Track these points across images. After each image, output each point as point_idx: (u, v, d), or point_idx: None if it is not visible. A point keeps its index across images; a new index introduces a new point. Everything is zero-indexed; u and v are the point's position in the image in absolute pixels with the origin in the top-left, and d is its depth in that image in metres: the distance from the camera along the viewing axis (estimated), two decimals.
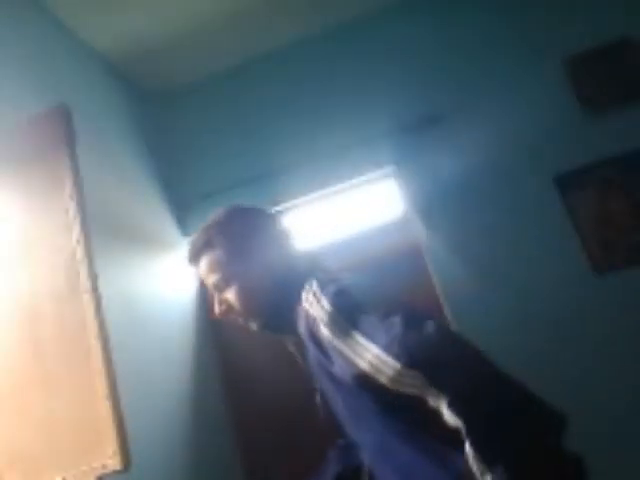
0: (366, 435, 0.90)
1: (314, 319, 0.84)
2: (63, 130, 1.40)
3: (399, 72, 2.64)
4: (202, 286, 2.70)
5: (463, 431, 0.67)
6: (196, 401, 2.27)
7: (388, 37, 2.70)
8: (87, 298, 1.27)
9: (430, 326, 0.74)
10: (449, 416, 0.69)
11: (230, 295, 0.99)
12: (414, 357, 0.72)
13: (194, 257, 1.04)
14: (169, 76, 2.84)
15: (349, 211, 2.65)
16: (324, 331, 0.81)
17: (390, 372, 0.73)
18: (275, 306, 0.98)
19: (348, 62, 2.72)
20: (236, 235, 1.01)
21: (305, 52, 2.80)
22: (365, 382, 0.77)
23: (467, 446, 0.67)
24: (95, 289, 1.28)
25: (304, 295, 0.89)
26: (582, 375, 2.11)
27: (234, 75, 2.87)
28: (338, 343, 0.79)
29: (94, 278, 1.28)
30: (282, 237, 1.05)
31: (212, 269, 1.00)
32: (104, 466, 1.17)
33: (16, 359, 1.32)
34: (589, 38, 2.41)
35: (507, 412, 0.66)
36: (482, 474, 0.65)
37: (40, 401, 1.27)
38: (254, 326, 1.01)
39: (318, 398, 1.01)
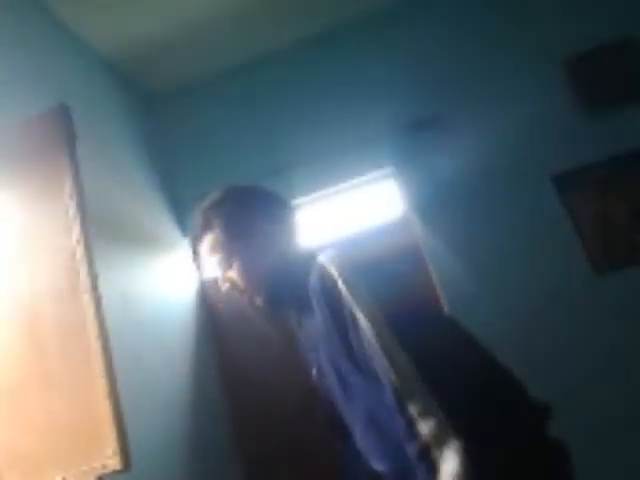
0: (357, 410, 0.91)
1: (335, 281, 0.84)
2: (63, 130, 1.40)
3: (399, 73, 2.64)
4: (202, 286, 2.70)
5: (433, 443, 0.68)
6: (196, 401, 2.27)
7: (388, 38, 2.70)
8: (87, 298, 1.27)
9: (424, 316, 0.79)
10: (423, 424, 0.70)
11: (233, 273, 1.00)
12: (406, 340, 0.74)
13: (195, 239, 1.05)
14: (169, 76, 2.84)
15: (349, 211, 2.65)
16: (345, 293, 0.82)
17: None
18: (277, 281, 0.99)
19: (348, 63, 2.72)
20: (233, 213, 1.02)
21: (305, 53, 2.80)
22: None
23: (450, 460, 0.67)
24: (95, 289, 1.28)
25: (323, 259, 0.89)
26: (582, 375, 2.11)
27: (234, 75, 2.87)
28: (357, 310, 0.80)
29: (94, 278, 1.28)
30: (281, 212, 1.05)
31: (213, 250, 1.02)
32: (104, 466, 1.17)
33: (16, 359, 1.32)
34: (589, 38, 2.41)
35: (491, 398, 0.69)
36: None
37: (40, 401, 1.27)
38: (258, 301, 1.02)
39: (315, 372, 1.02)
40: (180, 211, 2.71)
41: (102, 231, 1.92)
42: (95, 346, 1.24)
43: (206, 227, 1.02)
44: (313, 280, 0.89)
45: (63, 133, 1.40)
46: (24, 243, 1.39)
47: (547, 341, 2.15)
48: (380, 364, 0.75)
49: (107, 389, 1.21)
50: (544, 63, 2.46)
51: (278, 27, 2.71)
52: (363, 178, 2.58)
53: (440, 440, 0.68)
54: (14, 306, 1.35)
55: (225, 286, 1.03)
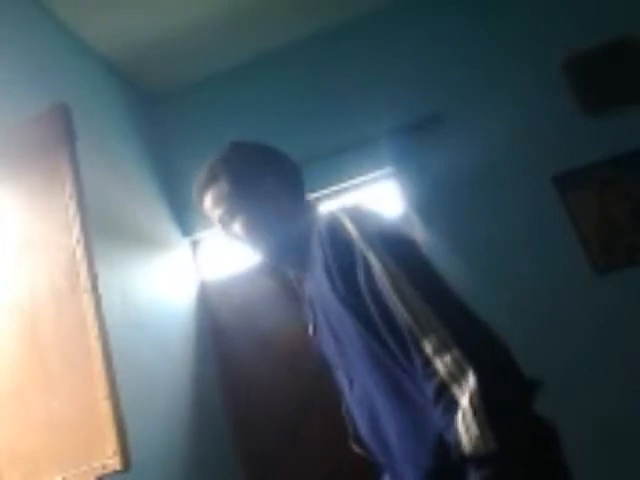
0: (351, 377, 0.91)
1: (346, 227, 0.84)
2: (63, 129, 1.40)
3: (399, 72, 2.63)
4: (202, 286, 2.71)
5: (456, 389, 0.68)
6: (196, 401, 2.27)
7: (388, 37, 2.70)
8: (87, 298, 1.27)
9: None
10: (439, 361, 0.70)
11: (236, 227, 1.00)
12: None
13: (199, 192, 1.03)
14: (169, 76, 2.84)
15: None
16: (357, 237, 0.82)
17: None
18: (280, 238, 0.99)
19: (348, 62, 2.72)
20: (240, 168, 1.02)
21: (305, 52, 2.80)
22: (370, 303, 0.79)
23: (464, 401, 0.67)
24: (95, 289, 1.28)
25: (334, 210, 0.89)
26: (582, 375, 2.11)
27: (233, 75, 2.87)
28: (368, 251, 0.80)
29: (94, 278, 1.28)
30: (287, 170, 1.05)
31: (217, 203, 1.01)
32: (104, 466, 1.17)
33: (16, 359, 1.32)
34: (589, 38, 2.41)
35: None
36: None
37: (40, 401, 1.27)
38: (260, 256, 1.02)
39: (311, 329, 1.03)
40: (180, 211, 2.71)
41: (102, 231, 1.92)
42: (95, 346, 1.24)
43: (212, 180, 1.01)
44: (320, 230, 0.88)
45: (63, 133, 1.40)
46: (24, 243, 1.39)
47: (547, 341, 2.15)
48: (392, 302, 0.76)
49: (107, 389, 1.21)
50: (544, 63, 2.46)
51: (277, 27, 2.71)
52: (363, 178, 2.58)
53: (457, 376, 0.68)
54: (14, 306, 1.35)
55: (228, 240, 1.03)
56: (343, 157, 2.54)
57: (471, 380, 0.67)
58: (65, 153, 1.38)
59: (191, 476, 2.07)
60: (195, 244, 2.78)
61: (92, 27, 2.34)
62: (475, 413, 0.65)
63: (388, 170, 2.55)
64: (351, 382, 0.92)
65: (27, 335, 1.32)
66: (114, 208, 2.16)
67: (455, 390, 0.68)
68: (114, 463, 1.16)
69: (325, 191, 2.59)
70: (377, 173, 2.57)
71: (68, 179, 1.35)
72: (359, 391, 0.89)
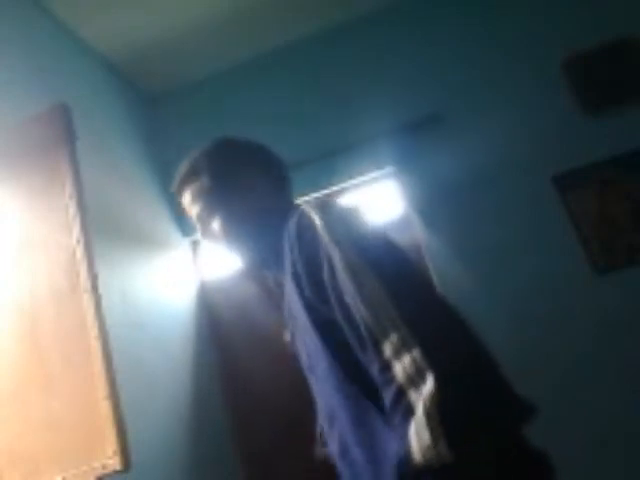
0: (319, 397, 0.85)
1: (312, 221, 0.77)
2: (63, 129, 1.40)
3: (399, 72, 2.64)
4: (202, 286, 2.71)
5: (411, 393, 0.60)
6: (196, 401, 2.27)
7: (388, 38, 2.70)
8: (87, 298, 1.27)
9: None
10: (397, 365, 0.62)
11: (215, 225, 0.95)
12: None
13: (179, 186, 1.00)
14: (169, 76, 2.84)
15: None
16: (322, 232, 0.75)
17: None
18: (260, 237, 0.93)
19: (348, 62, 2.72)
20: (222, 165, 0.97)
21: (305, 53, 2.80)
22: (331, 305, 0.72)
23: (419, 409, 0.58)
24: (95, 289, 1.28)
25: (305, 205, 0.83)
26: (582, 375, 2.11)
27: (233, 75, 2.87)
28: (333, 248, 0.72)
29: (94, 278, 1.28)
30: (271, 167, 1.01)
31: (196, 198, 0.96)
32: (104, 466, 1.17)
33: (16, 359, 1.32)
34: (589, 38, 2.41)
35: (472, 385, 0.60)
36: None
37: (40, 401, 1.27)
38: (237, 257, 0.97)
39: (288, 336, 0.97)
40: (180, 211, 2.70)
41: (102, 231, 1.92)
42: (95, 346, 1.24)
43: (192, 174, 0.97)
44: (289, 228, 0.81)
45: (63, 133, 1.40)
46: (24, 243, 1.39)
47: (547, 341, 2.15)
48: (353, 300, 0.68)
49: (107, 389, 1.21)
50: (544, 63, 2.46)
51: (277, 27, 2.71)
52: (363, 178, 2.58)
53: (415, 380, 0.60)
54: (14, 306, 1.35)
55: (205, 238, 0.98)
56: (343, 157, 2.53)
57: (429, 383, 0.58)
58: (65, 153, 1.38)
59: (191, 476, 2.07)
60: (195, 244, 2.78)
61: (92, 27, 2.34)
62: (428, 419, 0.57)
63: (388, 170, 2.55)
64: (321, 402, 0.85)
65: (27, 335, 1.32)
66: (114, 208, 2.16)
67: (412, 396, 0.60)
68: (114, 463, 1.16)
69: (325, 191, 2.59)
70: (377, 173, 2.57)
71: (68, 179, 1.35)
72: (328, 413, 0.81)
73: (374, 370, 0.66)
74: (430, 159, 2.47)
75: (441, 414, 0.57)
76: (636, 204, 2.25)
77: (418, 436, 0.57)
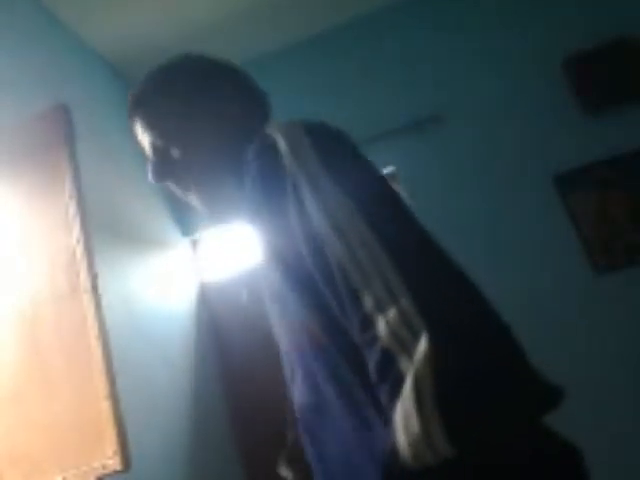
0: (296, 366, 0.67)
1: (274, 142, 0.60)
2: (63, 129, 1.40)
3: (399, 72, 2.64)
4: (202, 286, 2.70)
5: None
6: (196, 401, 2.27)
7: (388, 37, 2.70)
8: (87, 298, 1.27)
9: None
10: (381, 320, 0.45)
11: (171, 161, 0.76)
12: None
13: (130, 110, 0.83)
14: None
15: None
16: (287, 154, 0.57)
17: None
18: (214, 176, 0.76)
19: (347, 63, 2.72)
20: (188, 83, 0.81)
21: (305, 53, 2.80)
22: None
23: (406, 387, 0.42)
24: (95, 289, 1.28)
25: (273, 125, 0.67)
26: (582, 375, 2.11)
27: None
28: (302, 175, 0.55)
29: (94, 278, 1.28)
30: (249, 96, 0.84)
31: (151, 125, 0.79)
32: (104, 466, 1.17)
33: (16, 359, 1.32)
34: (589, 38, 2.41)
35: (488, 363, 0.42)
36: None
37: (40, 401, 1.27)
38: (195, 204, 0.79)
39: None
40: (180, 210, 2.71)
41: (102, 231, 1.92)
42: (95, 346, 1.24)
43: (147, 95, 0.81)
44: (248, 160, 0.64)
45: (63, 133, 1.40)
46: (24, 242, 1.39)
47: (547, 341, 2.15)
48: (329, 242, 0.51)
49: (107, 389, 1.20)
50: (544, 63, 2.46)
51: (278, 28, 2.71)
52: None
53: (405, 339, 0.43)
54: (14, 306, 1.35)
55: (154, 177, 0.77)
56: None
57: (422, 343, 0.41)
58: (65, 153, 1.38)
59: (191, 476, 2.06)
60: (195, 244, 2.78)
61: (92, 27, 2.34)
62: (418, 396, 0.40)
63: (388, 170, 2.55)
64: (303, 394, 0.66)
65: (27, 335, 1.32)
66: (114, 208, 2.16)
67: (402, 362, 0.42)
68: (114, 463, 1.16)
69: None
70: None
71: (68, 179, 1.35)
72: (312, 404, 0.64)
73: (354, 332, 0.49)
74: (430, 159, 2.47)
75: (438, 389, 0.40)
76: (636, 204, 2.25)
77: (406, 422, 0.40)
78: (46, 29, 2.15)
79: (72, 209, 1.33)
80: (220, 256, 2.75)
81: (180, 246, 2.66)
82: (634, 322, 2.13)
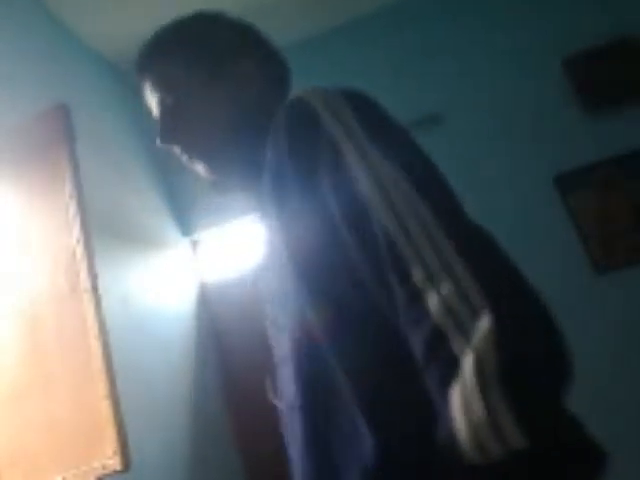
0: (287, 373, 0.62)
1: (312, 106, 0.57)
2: (63, 129, 1.40)
3: (399, 72, 2.63)
4: (203, 286, 2.70)
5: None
6: (196, 400, 2.27)
7: (388, 37, 2.70)
8: (87, 298, 1.27)
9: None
10: (433, 295, 0.41)
11: (186, 125, 0.72)
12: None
13: (142, 64, 0.79)
14: None
15: None
16: (327, 118, 0.55)
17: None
18: (224, 147, 0.70)
19: (347, 62, 2.72)
20: (201, 45, 0.76)
21: (306, 52, 2.80)
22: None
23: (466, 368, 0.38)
24: (95, 289, 1.28)
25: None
26: (581, 375, 2.10)
27: None
28: (345, 139, 0.52)
29: (94, 278, 1.28)
30: (270, 61, 0.79)
31: (160, 81, 0.74)
32: (104, 466, 1.17)
33: (16, 359, 1.32)
34: (589, 38, 2.41)
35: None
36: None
37: (40, 401, 1.27)
38: (200, 170, 0.74)
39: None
40: (180, 210, 2.71)
41: (102, 230, 1.92)
42: (95, 346, 1.24)
43: (159, 53, 0.78)
44: (276, 122, 0.59)
45: (63, 132, 1.40)
46: (24, 242, 1.39)
47: None
48: (377, 208, 0.47)
49: (107, 389, 1.20)
50: (544, 63, 2.46)
51: (278, 28, 2.70)
52: None
53: (461, 317, 0.39)
54: (14, 305, 1.35)
55: (163, 140, 0.73)
56: None
57: (484, 322, 0.38)
58: (65, 153, 1.38)
59: (191, 476, 2.06)
60: (195, 244, 2.78)
61: (92, 27, 2.34)
62: (482, 381, 0.36)
63: None
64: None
65: (27, 335, 1.32)
66: (114, 208, 2.16)
67: (455, 342, 0.39)
68: (114, 463, 1.16)
69: None
70: None
71: (68, 179, 1.35)
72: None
73: (397, 308, 0.44)
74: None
75: (505, 374, 0.36)
76: (636, 204, 2.25)
77: (466, 409, 0.36)
78: (46, 29, 2.15)
79: (72, 209, 1.33)
80: (220, 256, 2.74)
81: (180, 246, 2.66)
82: (634, 322, 2.12)
